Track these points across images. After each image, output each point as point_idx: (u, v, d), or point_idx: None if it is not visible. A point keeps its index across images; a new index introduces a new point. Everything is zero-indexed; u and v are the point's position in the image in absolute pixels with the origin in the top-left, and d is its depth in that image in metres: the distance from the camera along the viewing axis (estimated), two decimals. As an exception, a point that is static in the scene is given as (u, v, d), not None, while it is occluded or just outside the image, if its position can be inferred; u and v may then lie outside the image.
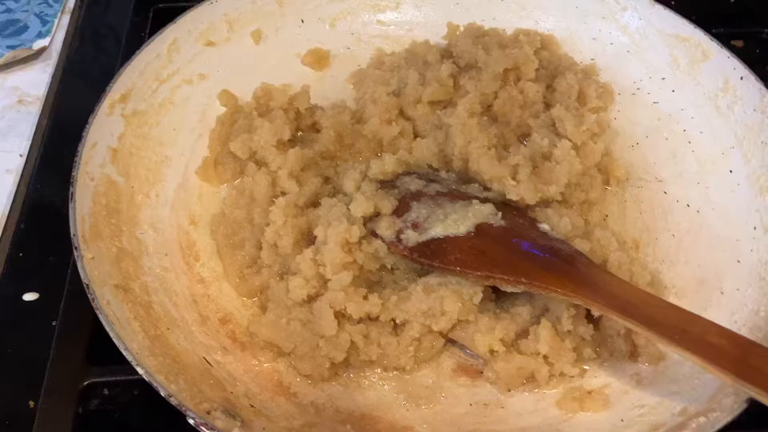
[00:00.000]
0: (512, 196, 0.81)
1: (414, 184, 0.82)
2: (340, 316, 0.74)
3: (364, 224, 0.78)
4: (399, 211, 0.79)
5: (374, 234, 0.78)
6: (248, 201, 0.84)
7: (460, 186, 0.83)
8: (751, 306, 0.74)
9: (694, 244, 0.83)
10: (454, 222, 0.75)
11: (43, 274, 0.86)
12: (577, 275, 0.71)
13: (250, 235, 0.82)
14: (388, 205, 0.79)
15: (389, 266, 0.79)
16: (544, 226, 0.79)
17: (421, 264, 0.77)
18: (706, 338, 0.62)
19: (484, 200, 0.79)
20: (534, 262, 0.73)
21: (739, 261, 0.79)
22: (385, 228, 0.78)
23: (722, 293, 0.77)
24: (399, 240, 0.77)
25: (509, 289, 0.73)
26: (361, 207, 0.78)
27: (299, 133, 0.92)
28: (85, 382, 0.75)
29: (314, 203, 0.84)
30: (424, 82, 0.95)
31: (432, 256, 0.75)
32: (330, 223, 0.77)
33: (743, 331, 0.71)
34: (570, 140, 0.87)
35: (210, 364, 0.72)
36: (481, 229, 0.75)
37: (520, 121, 0.92)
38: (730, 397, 0.64)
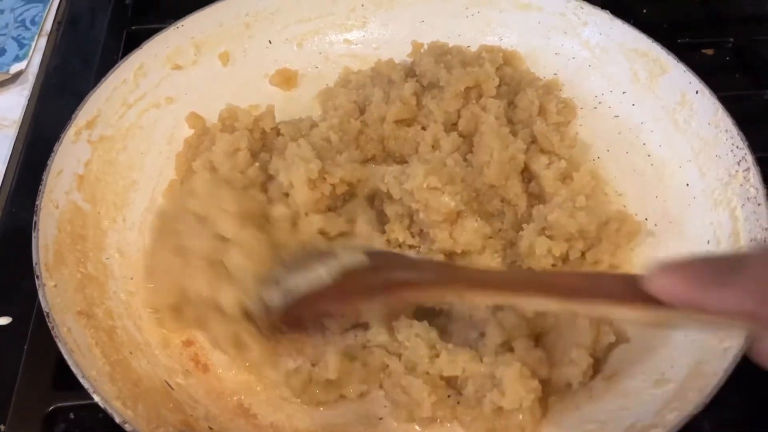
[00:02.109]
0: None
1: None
2: None
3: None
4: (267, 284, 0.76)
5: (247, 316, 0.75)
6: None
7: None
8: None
9: (649, 258, 0.84)
10: (318, 275, 0.73)
11: (16, 298, 0.87)
12: (443, 277, 0.73)
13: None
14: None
15: None
16: (413, 256, 0.83)
17: (290, 327, 0.77)
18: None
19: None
20: (394, 279, 0.74)
21: (692, 275, 0.80)
22: (255, 303, 0.74)
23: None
24: (268, 310, 0.74)
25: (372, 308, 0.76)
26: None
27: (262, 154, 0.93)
28: (51, 407, 0.76)
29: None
30: (388, 100, 0.96)
31: (298, 312, 0.74)
32: None
33: (695, 346, 0.72)
34: (557, 154, 0.89)
35: (171, 387, 0.74)
36: (347, 274, 0.73)
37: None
38: (673, 413, 0.65)
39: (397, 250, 0.86)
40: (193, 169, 0.90)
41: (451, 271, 0.77)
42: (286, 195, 0.84)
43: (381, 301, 0.75)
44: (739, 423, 0.76)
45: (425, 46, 1.02)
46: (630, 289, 0.59)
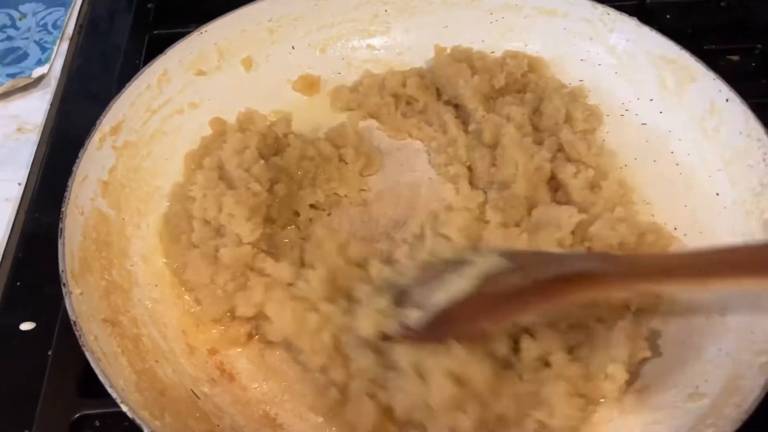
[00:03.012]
0: None
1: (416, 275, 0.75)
2: None
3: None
4: (399, 302, 0.71)
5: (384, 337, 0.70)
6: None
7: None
8: (737, 334, 0.74)
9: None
10: (457, 284, 0.66)
11: (40, 304, 0.87)
12: (608, 268, 0.65)
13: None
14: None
15: None
16: (556, 250, 0.75)
17: (437, 342, 0.68)
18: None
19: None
20: (550, 277, 0.65)
21: (724, 286, 0.79)
22: (390, 324, 0.69)
23: (706, 319, 0.77)
24: (407, 328, 0.68)
25: (530, 318, 0.69)
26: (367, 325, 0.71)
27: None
28: (77, 414, 0.76)
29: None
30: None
31: (444, 328, 0.67)
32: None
33: (729, 360, 0.71)
34: (584, 163, 0.88)
35: (197, 397, 0.73)
36: (490, 280, 0.66)
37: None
38: (710, 429, 0.64)
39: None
40: (201, 167, 0.88)
41: (617, 260, 0.67)
42: None
43: (536, 307, 0.67)
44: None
45: (448, 50, 1.01)
46: None
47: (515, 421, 0.70)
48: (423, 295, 0.68)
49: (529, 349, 0.73)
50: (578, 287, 0.64)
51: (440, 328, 0.67)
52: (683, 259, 0.66)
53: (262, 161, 0.85)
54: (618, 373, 0.70)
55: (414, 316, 0.67)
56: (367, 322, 0.70)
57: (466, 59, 0.99)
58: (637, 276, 0.63)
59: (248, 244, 0.79)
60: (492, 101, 0.96)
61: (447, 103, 1.00)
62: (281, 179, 0.88)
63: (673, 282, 0.63)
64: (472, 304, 0.65)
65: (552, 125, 0.93)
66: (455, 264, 0.69)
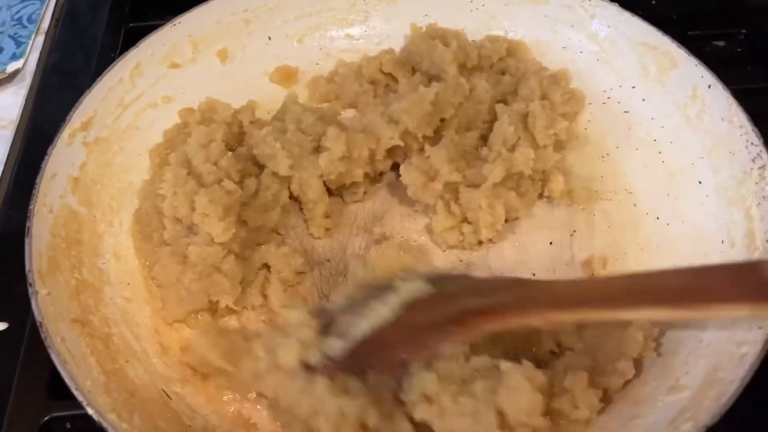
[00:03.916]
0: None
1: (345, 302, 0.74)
2: None
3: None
4: (326, 330, 0.69)
5: (306, 367, 0.68)
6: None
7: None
8: (716, 323, 0.72)
9: (663, 259, 0.82)
10: (378, 312, 0.66)
11: (13, 304, 0.85)
12: (523, 298, 0.65)
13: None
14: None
15: None
16: (479, 275, 0.74)
17: (357, 375, 0.67)
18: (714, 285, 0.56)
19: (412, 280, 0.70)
20: (468, 309, 0.65)
21: (707, 276, 0.77)
22: (312, 355, 0.68)
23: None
24: (329, 359, 0.67)
25: (451, 347, 0.67)
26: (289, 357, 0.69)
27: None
28: (47, 417, 0.74)
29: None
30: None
31: (365, 359, 0.67)
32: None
33: (710, 350, 0.70)
34: (534, 138, 0.86)
35: (169, 397, 0.72)
36: (411, 307, 0.66)
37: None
38: (688, 423, 0.62)
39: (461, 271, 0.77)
40: (168, 162, 0.86)
41: (533, 289, 0.66)
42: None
43: (455, 337, 0.66)
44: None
45: (423, 29, 1.00)
46: (748, 283, 0.53)
47: None
48: (348, 324, 0.67)
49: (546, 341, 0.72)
50: (494, 319, 0.64)
51: (360, 359, 0.66)
52: (605, 286, 0.65)
53: (230, 153, 0.83)
54: (627, 368, 0.69)
55: (336, 346, 0.67)
56: (290, 352, 0.68)
57: (441, 37, 0.97)
58: (554, 306, 0.62)
59: (219, 244, 0.77)
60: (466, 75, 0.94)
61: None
62: (251, 171, 0.86)
63: (590, 311, 0.62)
64: (391, 334, 0.65)
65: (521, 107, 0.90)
66: (382, 290, 0.68)
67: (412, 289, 0.68)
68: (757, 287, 0.53)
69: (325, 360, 0.67)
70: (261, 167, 0.87)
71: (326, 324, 0.69)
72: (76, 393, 0.64)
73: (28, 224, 0.76)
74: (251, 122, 0.91)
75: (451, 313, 0.65)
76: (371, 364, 0.67)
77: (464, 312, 0.64)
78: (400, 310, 0.65)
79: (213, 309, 0.80)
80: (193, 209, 0.78)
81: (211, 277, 0.77)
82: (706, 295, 0.55)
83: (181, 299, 0.78)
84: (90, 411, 0.63)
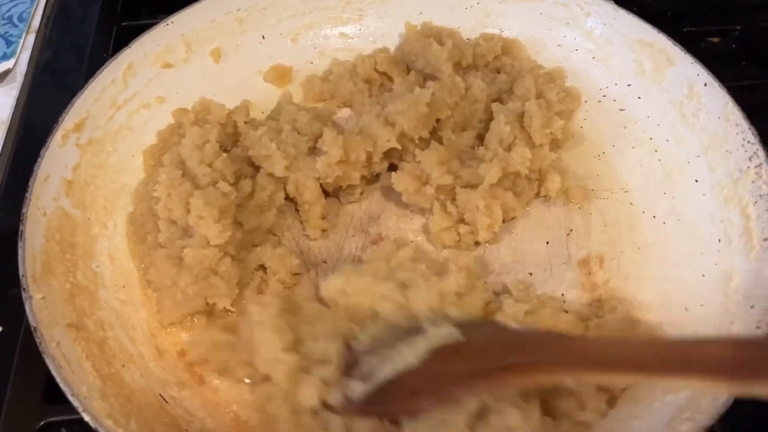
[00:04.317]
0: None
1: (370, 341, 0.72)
2: None
3: None
4: (349, 370, 0.68)
5: (326, 406, 0.68)
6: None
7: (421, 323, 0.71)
8: (714, 323, 0.72)
9: (659, 258, 0.82)
10: (403, 356, 0.64)
11: (6, 307, 0.84)
12: (555, 356, 0.62)
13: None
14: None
15: None
16: (512, 325, 0.71)
17: (378, 417, 0.66)
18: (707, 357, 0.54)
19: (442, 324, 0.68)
20: (498, 365, 0.63)
21: (703, 275, 0.77)
22: (334, 395, 0.67)
23: (686, 309, 0.76)
24: (349, 401, 0.66)
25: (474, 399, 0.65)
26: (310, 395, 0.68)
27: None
28: (42, 422, 0.74)
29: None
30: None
31: (386, 405, 0.65)
32: None
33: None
34: (531, 137, 0.86)
35: (166, 401, 0.71)
36: (438, 354, 0.64)
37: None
38: (686, 423, 0.62)
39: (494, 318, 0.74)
40: (162, 163, 0.86)
41: (567, 347, 0.63)
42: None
43: (481, 391, 0.64)
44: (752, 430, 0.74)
45: (418, 28, 1.00)
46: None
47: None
48: (371, 365, 0.65)
49: None
50: (523, 375, 0.61)
51: (381, 403, 0.65)
52: (635, 350, 0.61)
53: (224, 154, 0.83)
54: None
55: (357, 389, 0.65)
56: (311, 391, 0.67)
57: (435, 35, 0.97)
58: (587, 366, 0.60)
59: (215, 246, 0.76)
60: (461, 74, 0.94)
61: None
62: (246, 172, 0.85)
63: (620, 374, 0.60)
64: (415, 381, 0.64)
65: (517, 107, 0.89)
66: (409, 332, 0.67)
67: (440, 334, 0.66)
68: None
69: (344, 402, 0.66)
70: (256, 168, 0.86)
71: (350, 363, 0.68)
72: (71, 399, 0.63)
73: (21, 228, 0.76)
74: (246, 122, 0.90)
75: (480, 367, 0.63)
76: (391, 411, 0.66)
77: (493, 368, 0.62)
78: (427, 356, 0.64)
79: (209, 311, 0.80)
80: (188, 211, 0.78)
81: (208, 279, 0.77)
82: (754, 368, 0.52)
83: (177, 302, 0.77)
84: (86, 417, 0.62)
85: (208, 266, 0.77)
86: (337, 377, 0.67)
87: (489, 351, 0.64)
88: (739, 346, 0.56)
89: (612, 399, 0.70)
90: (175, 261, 0.78)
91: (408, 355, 0.64)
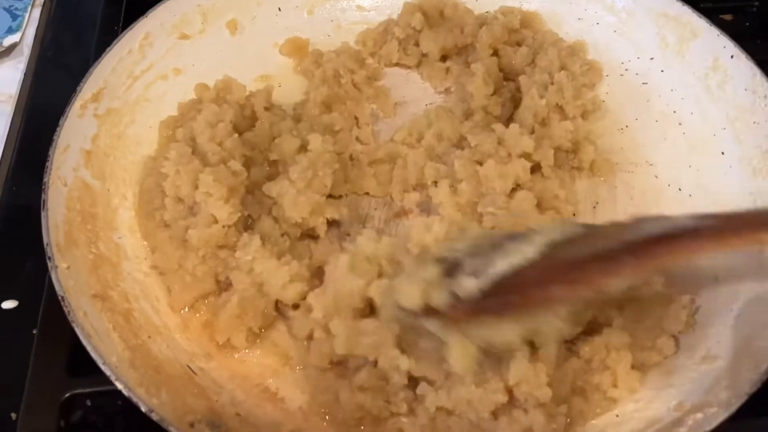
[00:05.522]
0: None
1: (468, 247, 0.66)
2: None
3: None
4: (450, 272, 0.62)
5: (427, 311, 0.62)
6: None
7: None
8: (745, 292, 0.72)
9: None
10: (521, 252, 0.59)
11: (22, 281, 0.83)
12: (697, 228, 0.57)
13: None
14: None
15: None
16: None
17: (494, 314, 0.60)
18: None
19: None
20: (646, 238, 0.57)
21: (732, 246, 0.77)
22: (437, 298, 0.61)
23: (716, 279, 0.75)
24: (457, 299, 0.60)
25: (615, 287, 0.61)
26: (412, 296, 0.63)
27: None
28: (67, 394, 0.72)
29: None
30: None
31: (507, 298, 0.59)
32: None
33: (742, 321, 0.69)
34: (563, 109, 0.85)
35: (194, 372, 0.70)
36: (560, 246, 0.59)
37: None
38: (726, 391, 0.62)
39: None
40: (175, 137, 0.84)
41: (720, 217, 0.58)
42: None
43: (630, 271, 0.57)
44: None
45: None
46: None
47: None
48: (479, 265, 0.59)
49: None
50: (682, 245, 0.56)
51: (501, 298, 0.59)
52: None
53: (236, 135, 0.81)
54: (667, 345, 0.69)
55: (469, 285, 0.59)
56: (414, 290, 0.62)
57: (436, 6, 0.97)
58: (734, 233, 0.55)
59: (223, 226, 0.75)
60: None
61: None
62: (256, 160, 0.83)
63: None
64: (544, 270, 0.58)
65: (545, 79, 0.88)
66: (515, 237, 0.61)
67: (559, 229, 0.60)
68: None
69: (453, 301, 0.60)
70: (267, 157, 0.84)
71: (451, 267, 0.62)
72: (103, 367, 0.62)
73: (43, 197, 0.74)
74: (266, 108, 0.88)
75: (622, 243, 0.57)
76: (514, 303, 0.60)
77: (639, 241, 0.56)
78: (546, 250, 0.58)
79: (222, 289, 0.78)
80: (196, 188, 0.76)
81: (216, 255, 0.75)
82: None
83: (186, 285, 0.76)
84: (119, 386, 0.61)
85: (215, 244, 0.75)
86: (440, 279, 0.61)
87: (631, 229, 0.57)
88: None
89: (643, 378, 0.70)
90: (180, 243, 0.76)
91: (525, 250, 0.59)
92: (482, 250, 0.62)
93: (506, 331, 0.61)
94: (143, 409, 0.60)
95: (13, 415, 0.72)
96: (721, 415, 0.59)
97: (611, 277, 0.58)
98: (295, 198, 0.78)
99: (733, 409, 0.60)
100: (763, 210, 0.69)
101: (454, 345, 0.62)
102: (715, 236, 0.56)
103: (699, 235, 0.56)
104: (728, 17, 1.15)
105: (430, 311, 0.61)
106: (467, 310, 0.60)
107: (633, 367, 0.68)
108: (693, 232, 0.56)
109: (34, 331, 0.78)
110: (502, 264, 0.59)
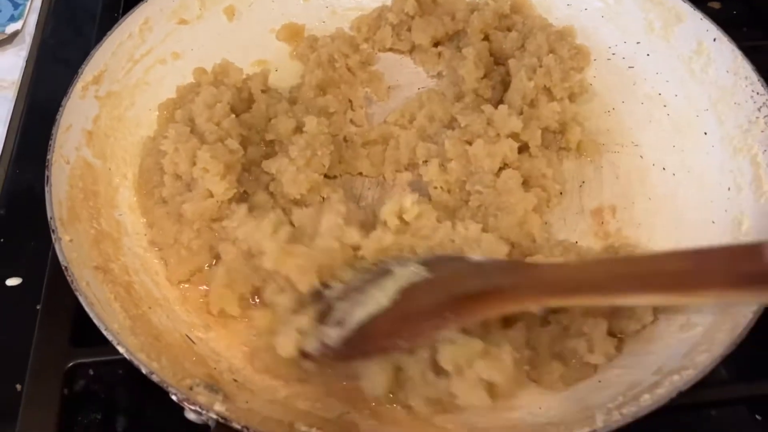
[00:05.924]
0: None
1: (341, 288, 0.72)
2: None
3: None
4: (322, 317, 0.69)
5: (304, 354, 0.68)
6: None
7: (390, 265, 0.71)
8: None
9: (670, 207, 0.84)
10: (375, 299, 0.66)
11: (25, 259, 0.86)
12: (519, 283, 0.65)
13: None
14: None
15: None
16: (475, 257, 0.71)
17: (354, 360, 0.68)
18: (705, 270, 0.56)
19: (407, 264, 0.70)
20: (463, 294, 0.65)
21: (713, 222, 0.79)
22: (310, 343, 0.68)
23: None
24: (326, 347, 0.67)
25: (447, 333, 0.66)
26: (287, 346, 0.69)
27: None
28: (70, 363, 0.75)
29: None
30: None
31: (362, 347, 0.67)
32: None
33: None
34: (551, 92, 0.87)
35: (193, 342, 0.73)
36: (407, 293, 0.66)
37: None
38: (703, 354, 0.65)
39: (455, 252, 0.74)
40: (174, 118, 0.87)
41: (530, 273, 0.65)
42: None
43: (452, 324, 0.65)
44: (757, 369, 0.76)
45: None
46: (748, 267, 0.53)
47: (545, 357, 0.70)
48: (344, 311, 0.67)
49: None
50: (490, 305, 0.64)
51: (358, 346, 0.66)
52: (603, 270, 0.64)
53: (233, 116, 0.83)
54: (645, 314, 0.71)
55: (333, 335, 0.66)
56: (287, 341, 0.68)
57: None
58: (551, 291, 0.62)
59: (217, 200, 0.77)
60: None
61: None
62: (253, 140, 0.86)
63: (588, 297, 0.63)
64: (389, 322, 0.65)
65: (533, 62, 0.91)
66: (378, 274, 0.68)
67: (407, 274, 0.67)
68: (759, 272, 0.53)
69: (322, 348, 0.67)
70: (263, 137, 0.87)
71: (323, 311, 0.69)
72: (106, 333, 0.65)
73: (47, 173, 0.76)
74: (262, 91, 0.90)
75: (447, 299, 0.65)
76: (368, 352, 0.67)
77: (459, 298, 0.64)
78: (397, 297, 0.65)
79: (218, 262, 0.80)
80: (194, 164, 0.78)
81: (211, 227, 0.78)
82: (705, 279, 0.55)
83: (182, 259, 0.78)
84: (121, 350, 0.64)
85: (209, 218, 0.78)
86: (312, 326, 0.68)
87: (455, 283, 0.66)
88: (690, 257, 0.59)
89: (620, 344, 0.72)
90: (176, 218, 0.78)
91: (379, 297, 0.66)
92: (350, 292, 0.69)
93: (376, 368, 0.68)
94: (144, 371, 0.63)
95: (18, 387, 0.75)
96: (695, 376, 0.62)
97: (440, 330, 0.65)
98: (295, 175, 0.80)
99: (707, 370, 0.62)
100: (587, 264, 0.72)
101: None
102: (525, 295, 0.63)
103: (502, 295, 0.64)
104: (716, 5, 1.17)
105: (306, 355, 0.68)
106: (335, 356, 0.67)
107: (610, 333, 0.70)
108: (497, 291, 0.64)
109: (38, 307, 0.80)
110: (360, 313, 0.66)
